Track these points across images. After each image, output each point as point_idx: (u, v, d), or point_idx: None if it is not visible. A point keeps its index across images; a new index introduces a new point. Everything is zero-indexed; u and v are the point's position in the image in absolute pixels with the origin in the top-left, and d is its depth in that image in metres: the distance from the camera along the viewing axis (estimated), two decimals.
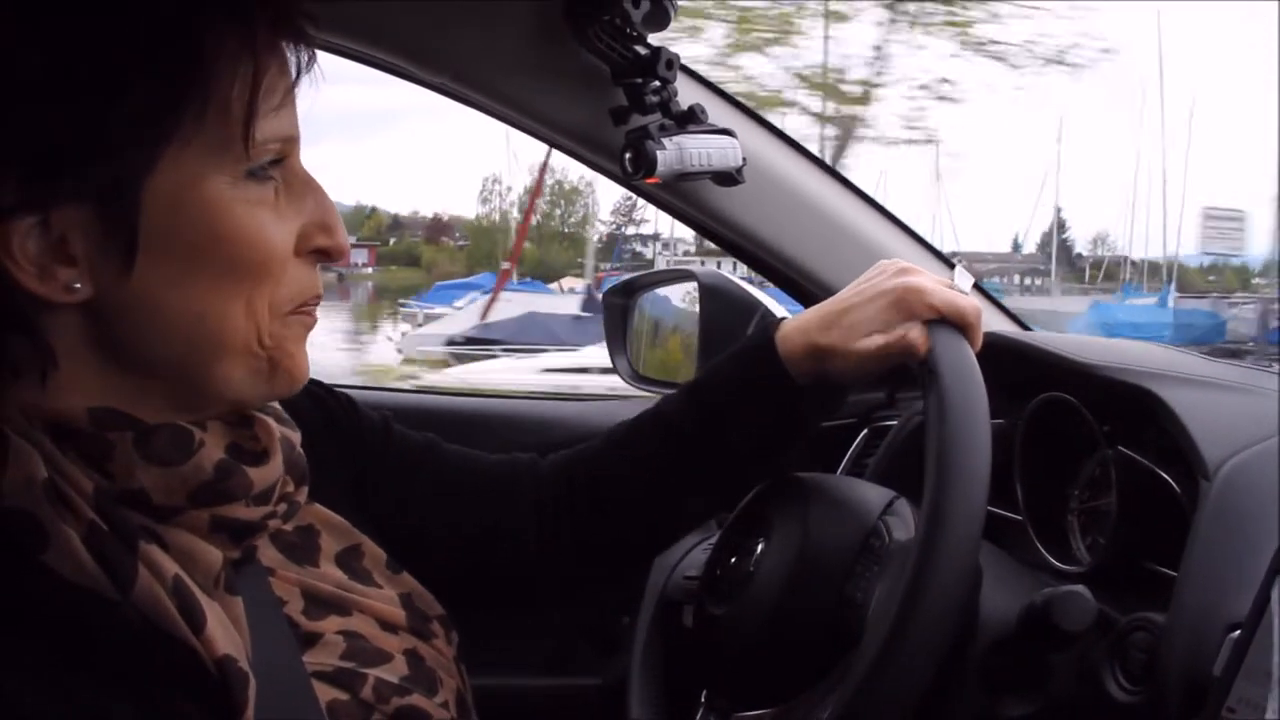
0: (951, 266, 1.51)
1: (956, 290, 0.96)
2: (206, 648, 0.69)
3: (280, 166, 0.75)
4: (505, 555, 1.03)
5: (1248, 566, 0.88)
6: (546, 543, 1.04)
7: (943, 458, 0.83)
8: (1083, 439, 1.09)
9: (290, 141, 0.75)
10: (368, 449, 0.99)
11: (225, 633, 0.70)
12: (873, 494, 1.05)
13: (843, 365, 0.97)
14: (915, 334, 0.93)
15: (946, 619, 0.80)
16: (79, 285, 0.69)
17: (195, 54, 0.69)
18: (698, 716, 1.16)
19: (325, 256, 0.78)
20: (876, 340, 0.95)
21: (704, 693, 1.17)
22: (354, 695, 0.79)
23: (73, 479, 0.68)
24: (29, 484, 0.67)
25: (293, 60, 0.75)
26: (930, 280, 0.96)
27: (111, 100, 0.67)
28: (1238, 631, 0.83)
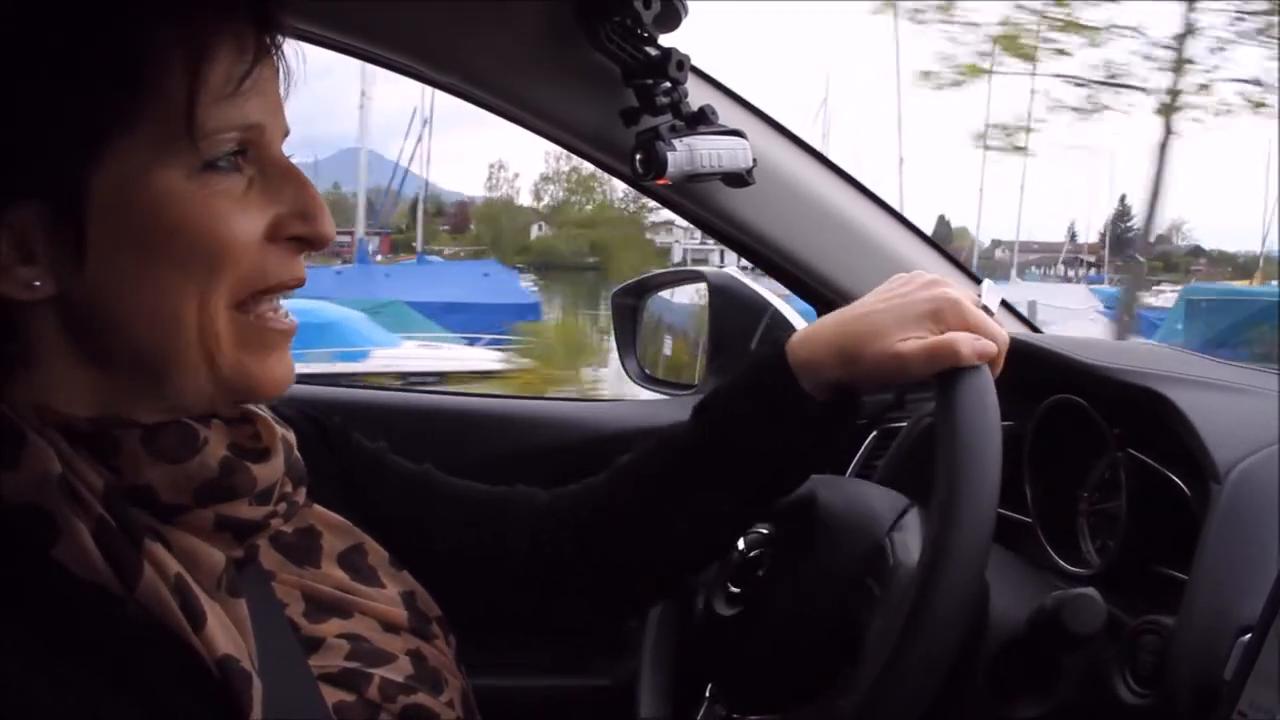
0: (974, 279, 1.50)
1: (984, 309, 0.92)
2: (206, 646, 0.69)
3: (251, 156, 0.74)
4: (493, 585, 1.00)
5: (1259, 570, 0.88)
6: (540, 574, 1.01)
7: (952, 493, 0.81)
8: (1092, 441, 1.09)
9: (255, 129, 0.73)
10: (360, 476, 0.98)
11: (226, 633, 0.71)
12: (882, 506, 1.04)
13: (872, 368, 0.91)
14: (963, 338, 0.88)
15: (954, 629, 0.79)
16: (39, 283, 0.69)
17: (130, 48, 0.68)
18: (702, 709, 1.17)
19: (305, 244, 0.77)
20: (916, 343, 0.89)
21: (709, 686, 1.17)
22: (360, 695, 0.79)
23: (84, 475, 0.69)
24: (44, 480, 0.68)
25: (254, 46, 0.73)
26: (965, 295, 0.92)
27: (47, 99, 0.67)
28: (1248, 635, 0.83)
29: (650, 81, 1.32)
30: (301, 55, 0.79)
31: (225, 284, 0.72)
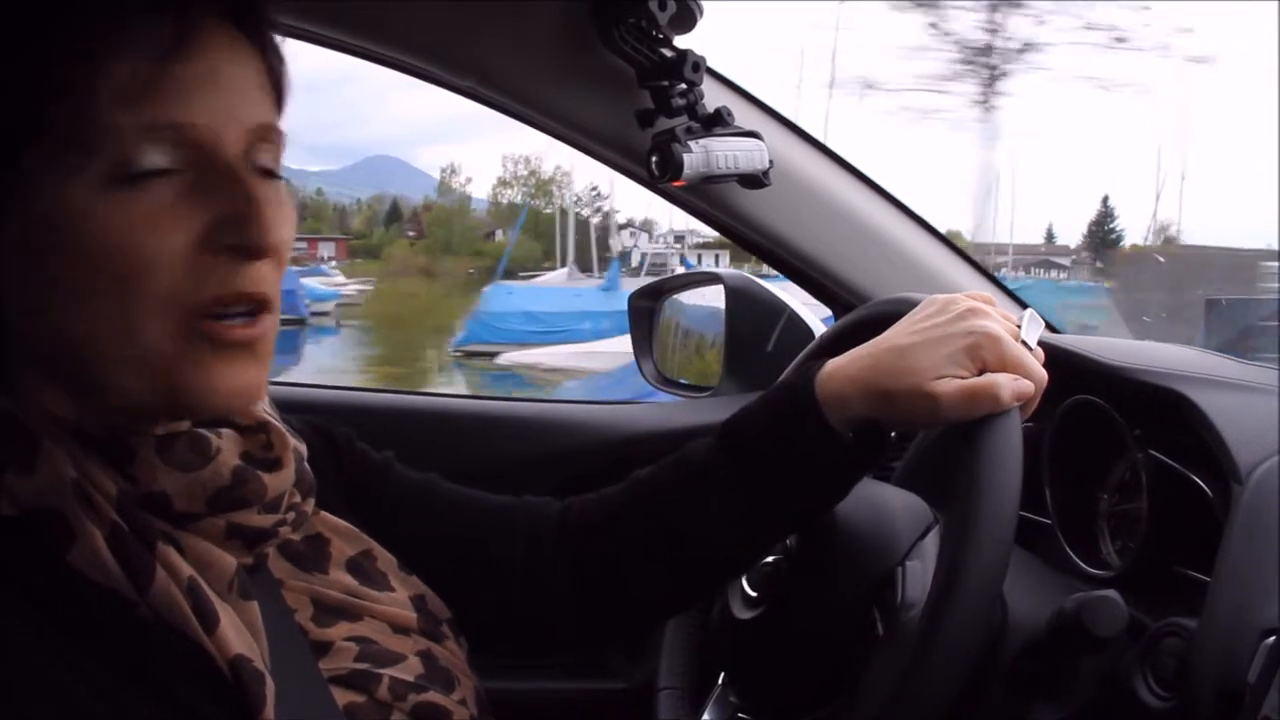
0: (1018, 302, 1.48)
1: (1024, 342, 0.88)
2: (219, 648, 0.69)
3: (186, 157, 0.68)
4: (496, 596, 0.99)
5: None
6: (545, 587, 0.99)
7: (956, 557, 0.79)
8: (1112, 442, 1.08)
9: (183, 129, 0.68)
10: (365, 485, 0.97)
11: (239, 634, 0.71)
12: (904, 521, 1.03)
13: (902, 407, 0.87)
14: (1003, 382, 0.84)
15: (946, 692, 0.79)
16: None
17: (22, 61, 0.66)
18: (714, 696, 1.17)
19: (240, 253, 0.70)
20: (953, 384, 0.85)
21: (722, 675, 1.17)
22: (370, 696, 0.79)
23: (97, 481, 0.70)
24: (58, 485, 0.68)
25: (173, 37, 0.67)
26: (1005, 328, 0.88)
27: None
28: (1272, 638, 0.82)
29: (666, 83, 1.32)
30: (279, 47, 0.76)
31: (151, 301, 0.68)
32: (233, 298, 0.70)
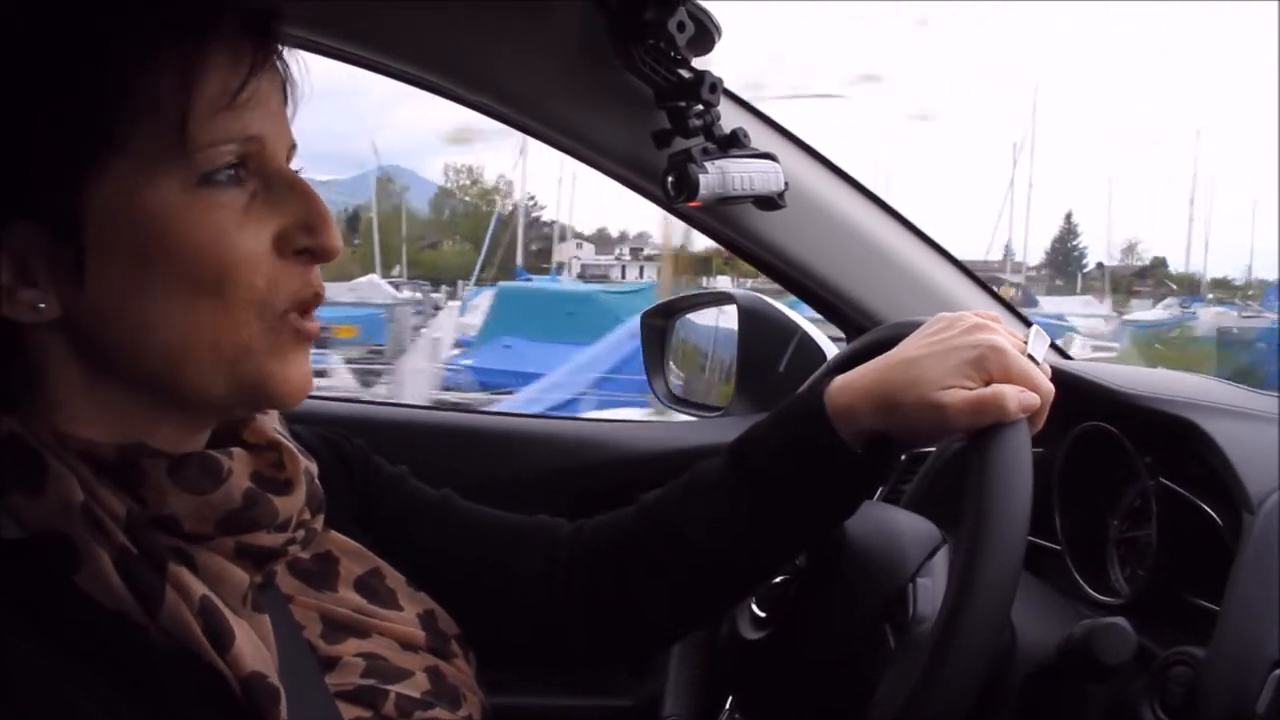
0: (1023, 321, 1.49)
1: (1031, 357, 0.89)
2: (233, 666, 0.69)
3: (253, 169, 0.73)
4: (505, 613, 0.99)
5: None
6: (554, 606, 0.99)
7: (967, 569, 0.80)
8: (1123, 469, 1.08)
9: (254, 141, 0.72)
10: (378, 498, 0.98)
11: (254, 649, 0.71)
12: (912, 541, 1.03)
13: (910, 418, 0.88)
14: (1010, 393, 0.84)
15: (960, 703, 0.79)
16: (43, 305, 0.69)
17: (118, 65, 0.68)
18: (722, 717, 1.17)
19: (313, 256, 0.75)
20: (960, 394, 0.85)
21: (730, 699, 1.17)
22: (376, 711, 0.79)
23: (106, 503, 0.69)
24: (65, 507, 0.68)
25: (250, 58, 0.72)
26: (1010, 341, 0.89)
27: (35, 119, 0.67)
28: None
29: (683, 104, 1.32)
30: (305, 67, 0.79)
31: (238, 298, 0.71)
32: (311, 298, 0.76)
